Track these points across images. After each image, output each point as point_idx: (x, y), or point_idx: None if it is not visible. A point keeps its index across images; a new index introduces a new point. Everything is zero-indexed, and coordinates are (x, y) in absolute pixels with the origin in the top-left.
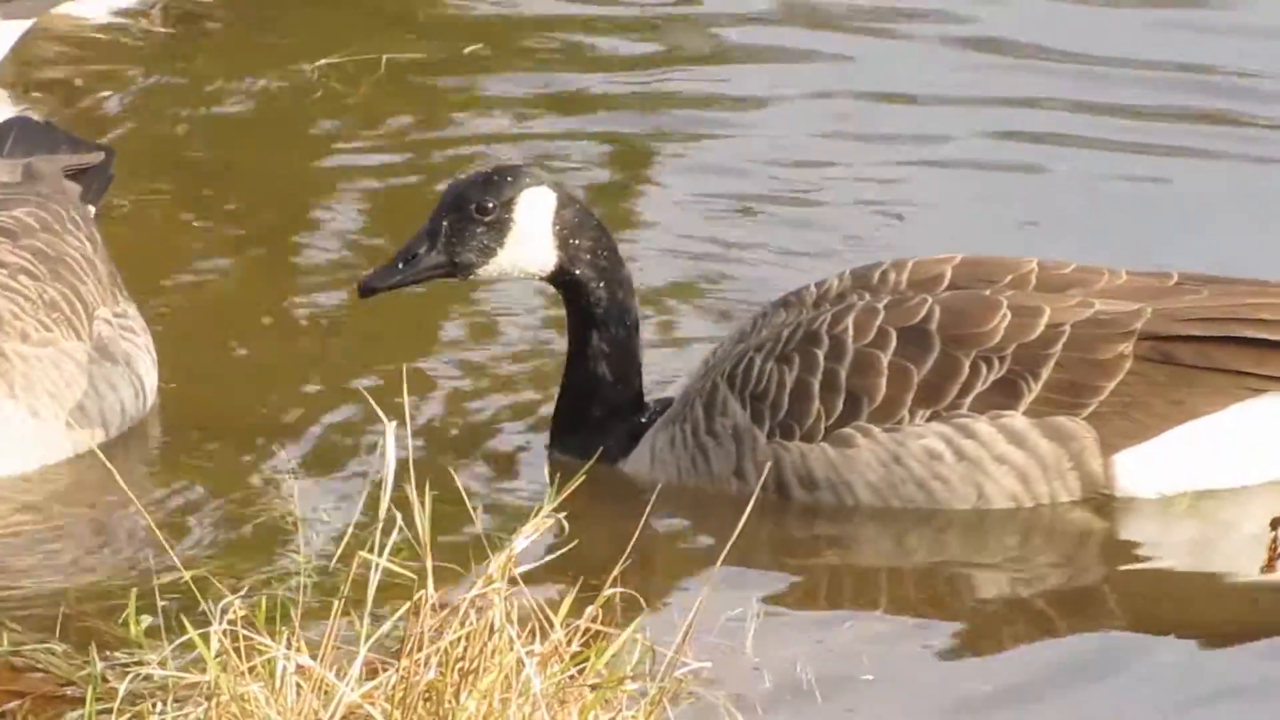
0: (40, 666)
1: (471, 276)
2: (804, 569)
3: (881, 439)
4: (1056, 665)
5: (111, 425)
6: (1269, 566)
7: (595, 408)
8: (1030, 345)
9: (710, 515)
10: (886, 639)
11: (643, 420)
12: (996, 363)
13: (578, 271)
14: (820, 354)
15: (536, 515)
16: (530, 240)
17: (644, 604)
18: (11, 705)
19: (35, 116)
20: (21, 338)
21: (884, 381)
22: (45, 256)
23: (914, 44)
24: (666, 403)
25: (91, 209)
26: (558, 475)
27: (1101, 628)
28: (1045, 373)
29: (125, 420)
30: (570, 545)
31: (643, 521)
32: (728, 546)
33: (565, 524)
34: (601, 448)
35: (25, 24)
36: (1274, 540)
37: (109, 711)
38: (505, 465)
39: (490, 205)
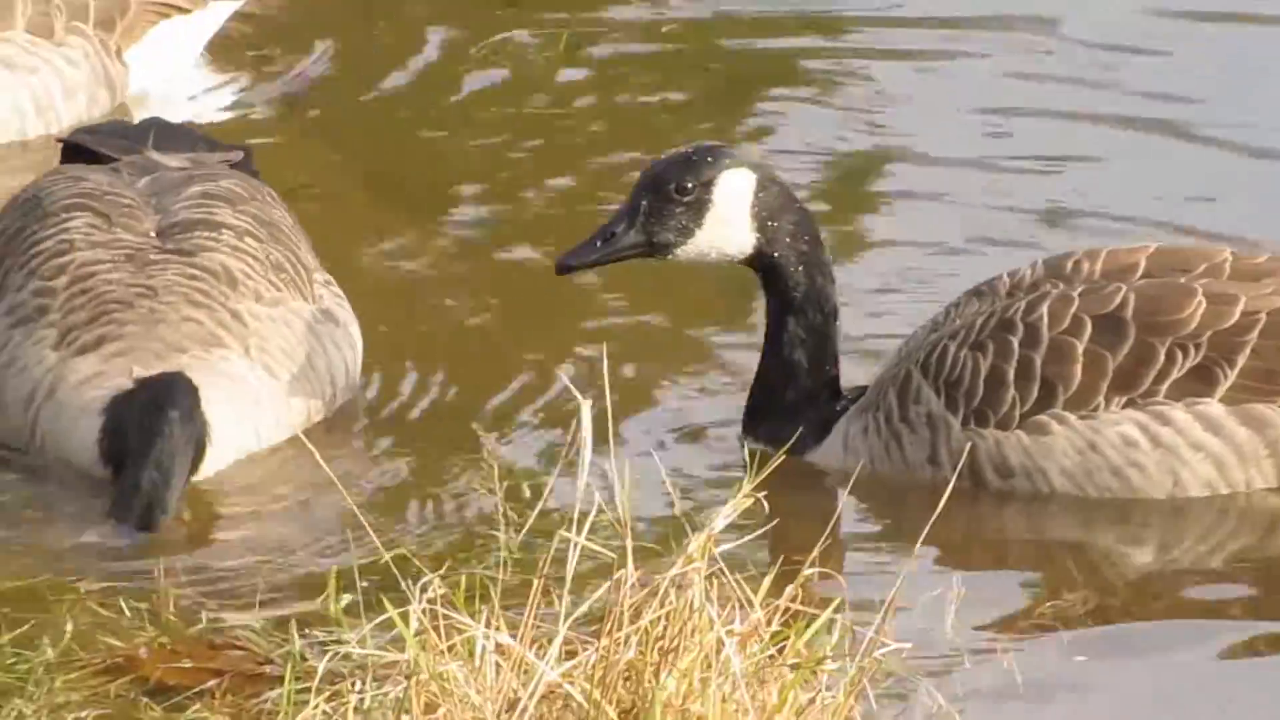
0: (239, 644)
1: (669, 257)
2: (999, 554)
3: (1077, 426)
4: (1265, 663)
5: (339, 385)
6: None
7: (790, 394)
8: (1226, 333)
9: (904, 501)
10: (1086, 625)
11: (836, 409)
12: (1192, 350)
13: (776, 255)
14: (1015, 341)
15: (736, 494)
16: (729, 222)
17: (843, 584)
18: (211, 683)
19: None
20: (255, 298)
21: (1079, 369)
22: (263, 221)
23: None
24: (860, 391)
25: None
26: (755, 457)
27: None
28: (1241, 360)
29: (348, 381)
30: (769, 525)
31: (841, 503)
32: (926, 528)
33: (765, 504)
34: (795, 435)
35: (236, 3)
36: None
37: (307, 690)
38: (698, 448)
39: (689, 185)
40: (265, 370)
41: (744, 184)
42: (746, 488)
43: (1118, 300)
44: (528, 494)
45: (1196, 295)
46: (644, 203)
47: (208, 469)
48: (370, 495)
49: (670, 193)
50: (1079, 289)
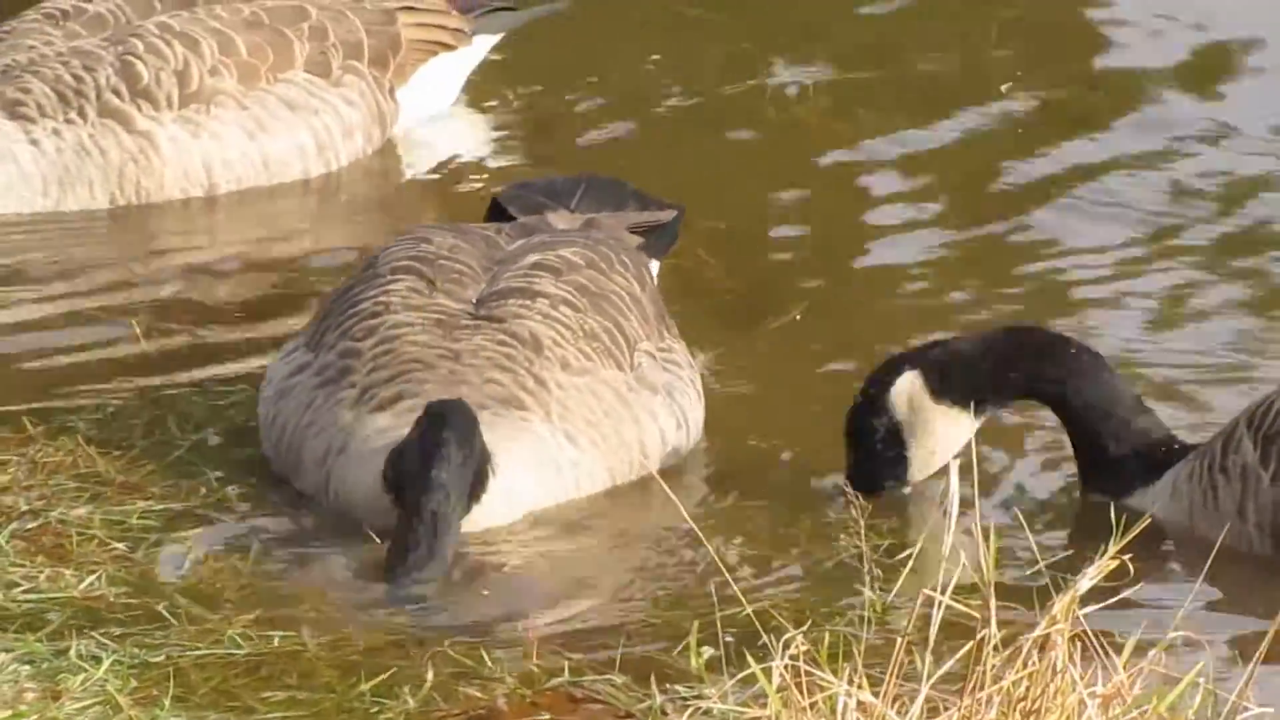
0: (599, 698)
1: (906, 486)
2: None
3: None
4: None
5: (652, 455)
6: None
7: (1112, 446)
8: None
9: (1243, 566)
10: None
11: (1172, 454)
12: None
13: (1010, 401)
14: None
15: (1102, 556)
16: (929, 427)
17: (1207, 648)
18: None
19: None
20: (561, 365)
21: None
22: (587, 290)
23: None
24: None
25: (655, 262)
26: (1123, 518)
27: None
28: None
29: (667, 450)
30: (1133, 588)
31: (1206, 568)
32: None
33: (1130, 566)
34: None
35: (496, 38)
36: None
37: None
38: (1040, 505)
39: (878, 424)
40: (565, 437)
41: (911, 385)
42: (1113, 549)
43: None
44: (890, 550)
45: None
46: (857, 457)
47: (500, 518)
48: (727, 546)
49: (867, 436)
50: None
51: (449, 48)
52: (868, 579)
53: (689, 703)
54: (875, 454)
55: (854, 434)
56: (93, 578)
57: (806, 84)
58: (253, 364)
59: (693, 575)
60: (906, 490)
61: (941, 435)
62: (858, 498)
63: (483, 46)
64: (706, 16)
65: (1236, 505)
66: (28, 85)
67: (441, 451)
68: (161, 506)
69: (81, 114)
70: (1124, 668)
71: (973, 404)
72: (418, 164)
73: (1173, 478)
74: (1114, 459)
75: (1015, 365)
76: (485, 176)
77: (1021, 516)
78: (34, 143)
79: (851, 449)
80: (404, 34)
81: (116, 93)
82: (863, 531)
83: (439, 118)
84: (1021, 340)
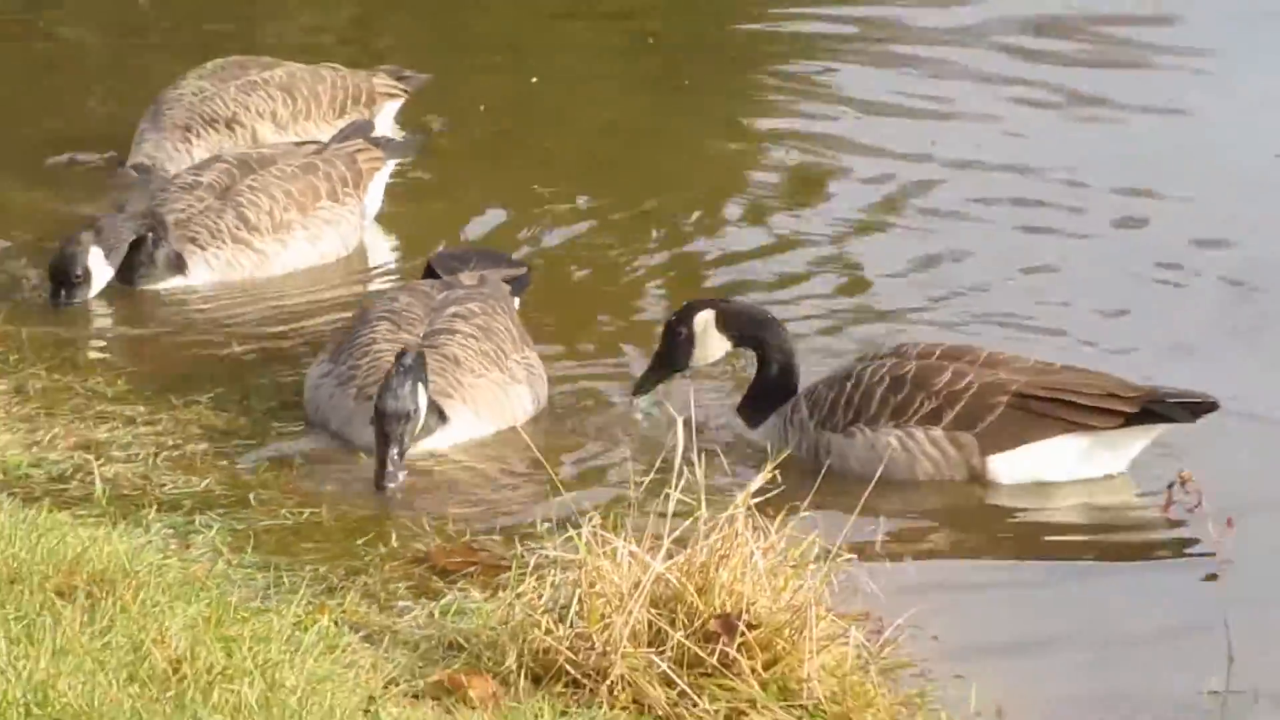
0: (486, 549)
1: (690, 369)
2: (900, 503)
3: (868, 434)
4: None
5: (520, 417)
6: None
7: (778, 391)
8: (955, 393)
9: (844, 478)
10: (921, 548)
11: (781, 400)
12: (934, 399)
13: (746, 346)
14: (849, 385)
15: (764, 471)
16: (706, 342)
17: (818, 521)
18: (472, 569)
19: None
20: (470, 372)
21: (875, 403)
22: (481, 328)
23: None
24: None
25: (517, 301)
26: (781, 449)
27: (989, 554)
28: (958, 408)
29: (528, 413)
30: (779, 489)
31: (823, 472)
32: (819, 482)
33: (778, 476)
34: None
35: (394, 161)
36: (1173, 490)
37: (523, 573)
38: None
39: (681, 330)
40: (473, 412)
41: (708, 317)
42: (770, 468)
43: (906, 369)
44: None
45: (946, 372)
46: (663, 348)
47: (444, 445)
48: (557, 468)
49: (673, 338)
50: (890, 362)
51: (378, 169)
52: (633, 485)
53: (536, 551)
54: (671, 350)
55: (666, 332)
56: (208, 479)
57: None
58: (299, 367)
59: (540, 483)
60: (652, 409)
61: (712, 349)
62: (633, 403)
63: (390, 167)
64: None
65: (798, 442)
66: (193, 233)
67: (394, 388)
68: (247, 439)
69: (224, 242)
70: (775, 532)
71: (731, 339)
72: (377, 245)
73: (776, 416)
74: (769, 401)
75: (753, 325)
76: (417, 249)
77: (722, 452)
78: (204, 261)
79: (660, 345)
80: (362, 166)
81: (240, 228)
82: (631, 459)
83: (377, 216)
84: (757, 315)
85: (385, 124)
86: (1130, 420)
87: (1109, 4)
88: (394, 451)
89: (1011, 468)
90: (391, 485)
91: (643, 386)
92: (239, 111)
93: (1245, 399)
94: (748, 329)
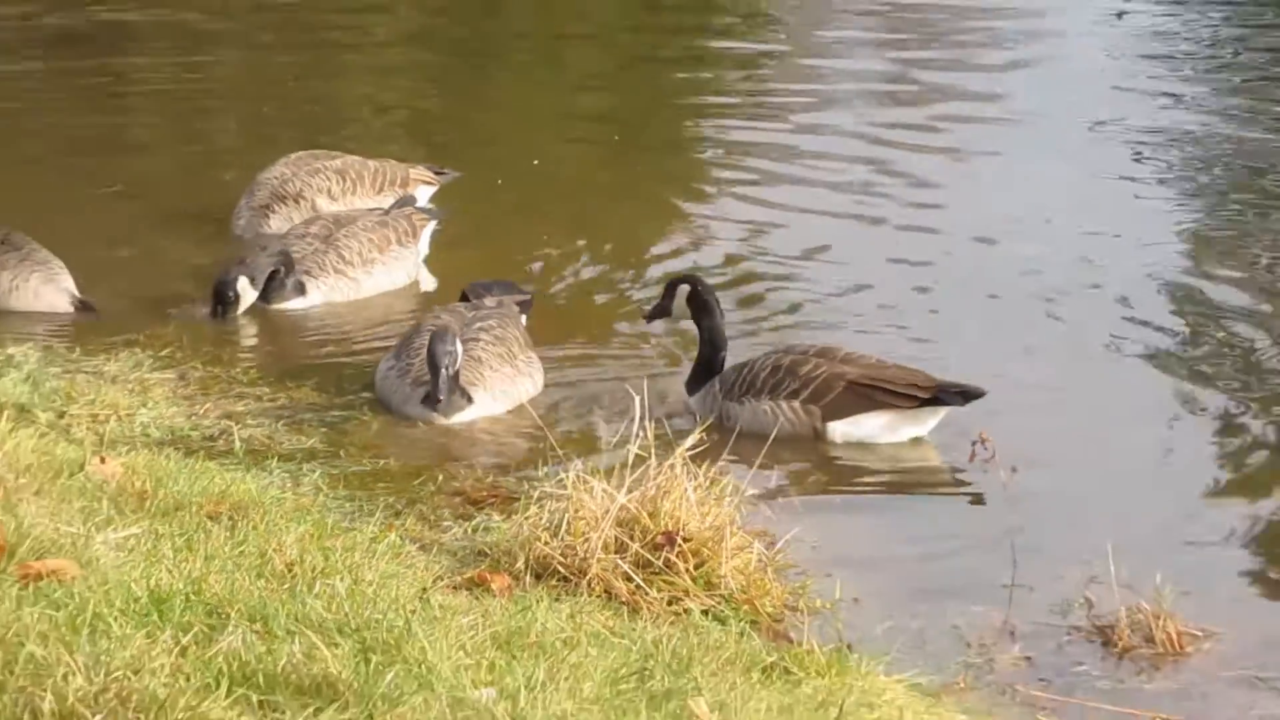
0: (504, 486)
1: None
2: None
3: (752, 404)
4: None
5: (525, 398)
6: (971, 458)
7: (713, 365)
8: (810, 378)
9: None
10: (812, 489)
11: (713, 372)
12: (797, 382)
13: (695, 323)
14: (745, 370)
15: (695, 433)
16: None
17: (731, 468)
18: (493, 501)
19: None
20: (489, 368)
21: (759, 383)
22: (499, 337)
23: None
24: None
25: (524, 317)
26: (700, 414)
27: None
28: (810, 389)
29: (531, 394)
30: (704, 445)
31: (735, 433)
32: (732, 440)
33: (706, 435)
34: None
35: (434, 222)
36: (975, 447)
37: (529, 505)
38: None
39: (673, 290)
40: (491, 397)
41: (685, 291)
42: (700, 430)
43: (784, 361)
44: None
45: (809, 363)
46: (661, 298)
47: (474, 416)
48: (554, 432)
49: (667, 293)
50: (774, 356)
51: (425, 226)
52: (612, 441)
53: (538, 488)
54: (664, 299)
55: (666, 287)
56: (313, 438)
57: None
58: (374, 362)
59: (540, 442)
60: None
61: (676, 312)
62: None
63: (433, 225)
64: None
65: (711, 407)
66: (308, 267)
67: (442, 336)
68: (339, 411)
69: (329, 273)
70: (704, 474)
71: (689, 313)
72: (426, 279)
73: (704, 389)
74: (702, 377)
75: (704, 312)
76: (454, 282)
77: (666, 418)
78: (318, 287)
79: (661, 295)
80: (416, 223)
81: (340, 264)
82: (604, 424)
83: (426, 259)
84: (711, 306)
85: (423, 200)
86: (924, 403)
87: None
88: (442, 377)
89: (844, 431)
90: (441, 398)
91: (651, 316)
92: (303, 188)
93: (1036, 384)
94: (700, 314)
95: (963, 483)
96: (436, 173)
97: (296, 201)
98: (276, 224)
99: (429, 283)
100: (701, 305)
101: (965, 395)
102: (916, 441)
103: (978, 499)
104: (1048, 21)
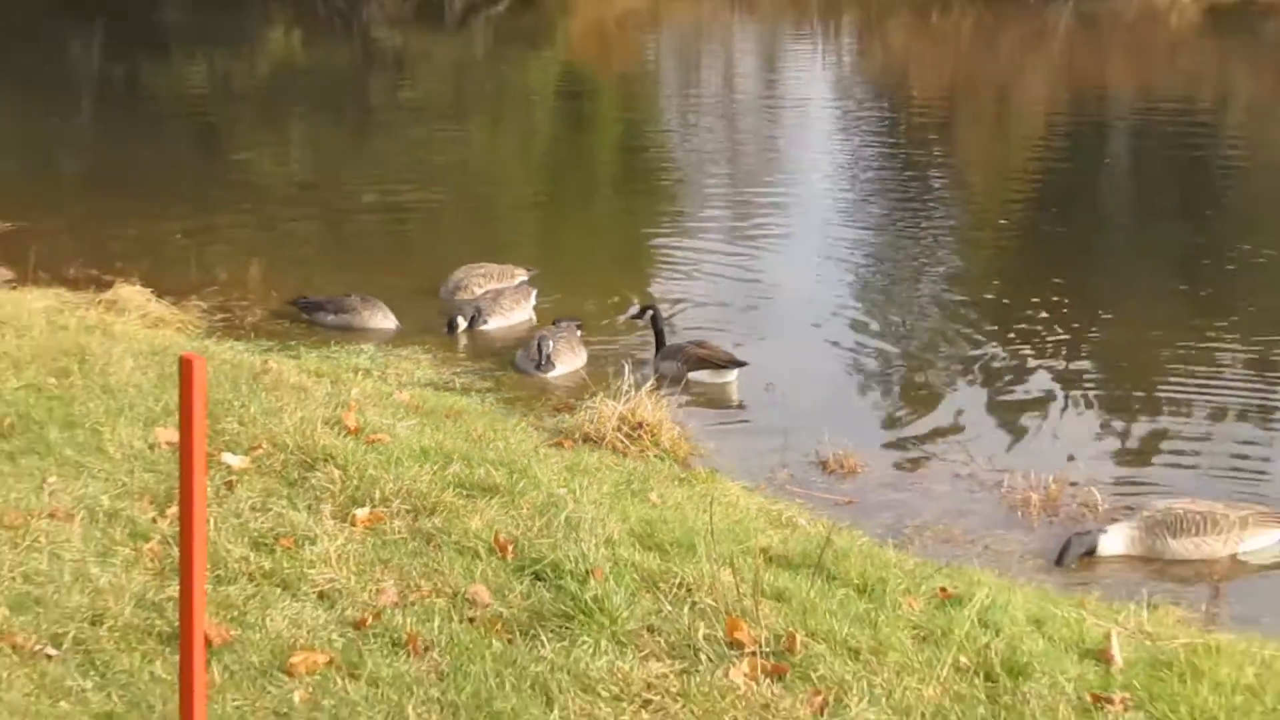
0: (573, 403)
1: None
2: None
3: (661, 363)
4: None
5: (578, 367)
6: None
7: (656, 352)
8: (682, 351)
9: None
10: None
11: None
12: (680, 355)
13: (651, 328)
14: (670, 348)
15: (651, 380)
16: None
17: (667, 394)
18: (567, 409)
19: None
20: (559, 358)
21: (669, 352)
22: (566, 341)
23: None
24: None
25: (579, 331)
26: (654, 370)
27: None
28: (679, 356)
29: (581, 366)
30: (669, 393)
31: (685, 380)
32: (668, 382)
33: (659, 382)
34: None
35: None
36: (767, 389)
37: (583, 411)
38: (644, 370)
39: (645, 310)
40: (563, 364)
41: (651, 312)
42: (654, 379)
43: (679, 343)
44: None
45: (688, 346)
46: (637, 311)
47: (555, 374)
48: (596, 386)
49: (640, 312)
50: (677, 343)
51: (533, 290)
52: (617, 384)
53: (586, 405)
54: (640, 310)
55: (640, 310)
56: (489, 383)
57: None
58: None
59: (587, 385)
60: (633, 315)
61: (630, 314)
62: (630, 310)
63: (535, 290)
64: None
65: (656, 367)
66: (487, 307)
67: (543, 341)
68: (496, 373)
69: (497, 313)
70: (652, 398)
71: (649, 322)
72: (533, 317)
73: (656, 359)
74: (657, 353)
75: (656, 321)
76: (546, 319)
77: (635, 381)
78: (490, 320)
79: (640, 313)
80: (529, 288)
81: (502, 307)
82: (617, 378)
83: (535, 306)
84: (659, 320)
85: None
86: (721, 367)
87: None
88: (546, 352)
89: (697, 376)
90: (543, 365)
91: (631, 314)
92: (467, 281)
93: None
94: (656, 323)
95: (755, 400)
96: (526, 269)
97: (462, 289)
98: (463, 295)
99: (534, 319)
100: (655, 319)
101: (730, 365)
102: (729, 384)
103: (769, 419)
104: None
